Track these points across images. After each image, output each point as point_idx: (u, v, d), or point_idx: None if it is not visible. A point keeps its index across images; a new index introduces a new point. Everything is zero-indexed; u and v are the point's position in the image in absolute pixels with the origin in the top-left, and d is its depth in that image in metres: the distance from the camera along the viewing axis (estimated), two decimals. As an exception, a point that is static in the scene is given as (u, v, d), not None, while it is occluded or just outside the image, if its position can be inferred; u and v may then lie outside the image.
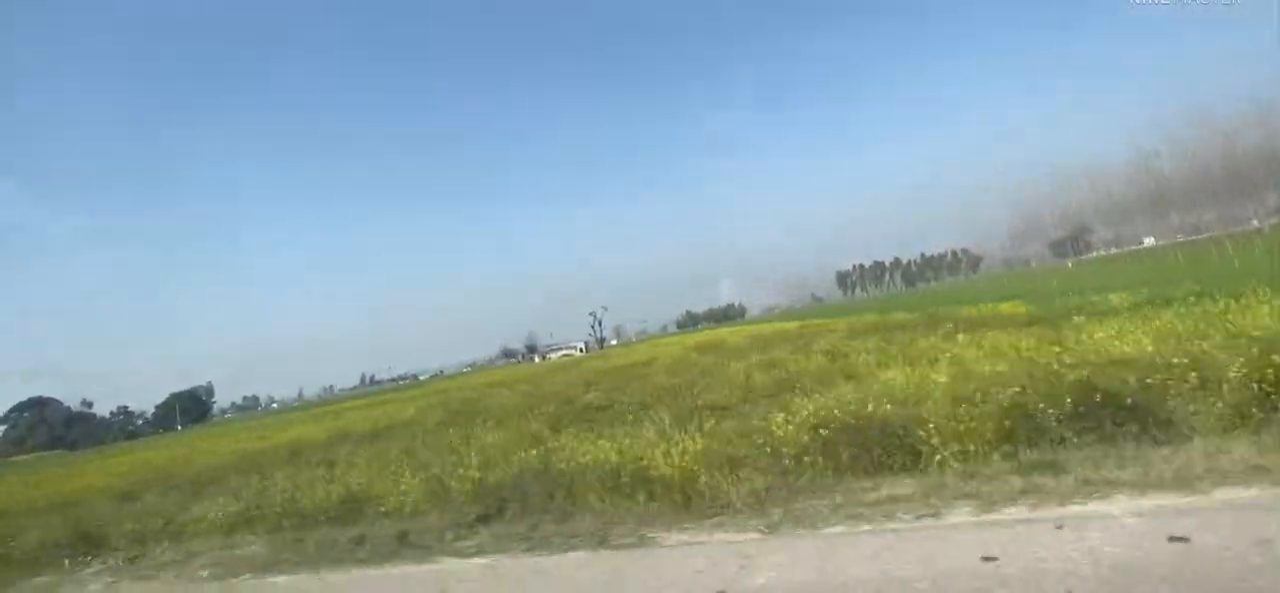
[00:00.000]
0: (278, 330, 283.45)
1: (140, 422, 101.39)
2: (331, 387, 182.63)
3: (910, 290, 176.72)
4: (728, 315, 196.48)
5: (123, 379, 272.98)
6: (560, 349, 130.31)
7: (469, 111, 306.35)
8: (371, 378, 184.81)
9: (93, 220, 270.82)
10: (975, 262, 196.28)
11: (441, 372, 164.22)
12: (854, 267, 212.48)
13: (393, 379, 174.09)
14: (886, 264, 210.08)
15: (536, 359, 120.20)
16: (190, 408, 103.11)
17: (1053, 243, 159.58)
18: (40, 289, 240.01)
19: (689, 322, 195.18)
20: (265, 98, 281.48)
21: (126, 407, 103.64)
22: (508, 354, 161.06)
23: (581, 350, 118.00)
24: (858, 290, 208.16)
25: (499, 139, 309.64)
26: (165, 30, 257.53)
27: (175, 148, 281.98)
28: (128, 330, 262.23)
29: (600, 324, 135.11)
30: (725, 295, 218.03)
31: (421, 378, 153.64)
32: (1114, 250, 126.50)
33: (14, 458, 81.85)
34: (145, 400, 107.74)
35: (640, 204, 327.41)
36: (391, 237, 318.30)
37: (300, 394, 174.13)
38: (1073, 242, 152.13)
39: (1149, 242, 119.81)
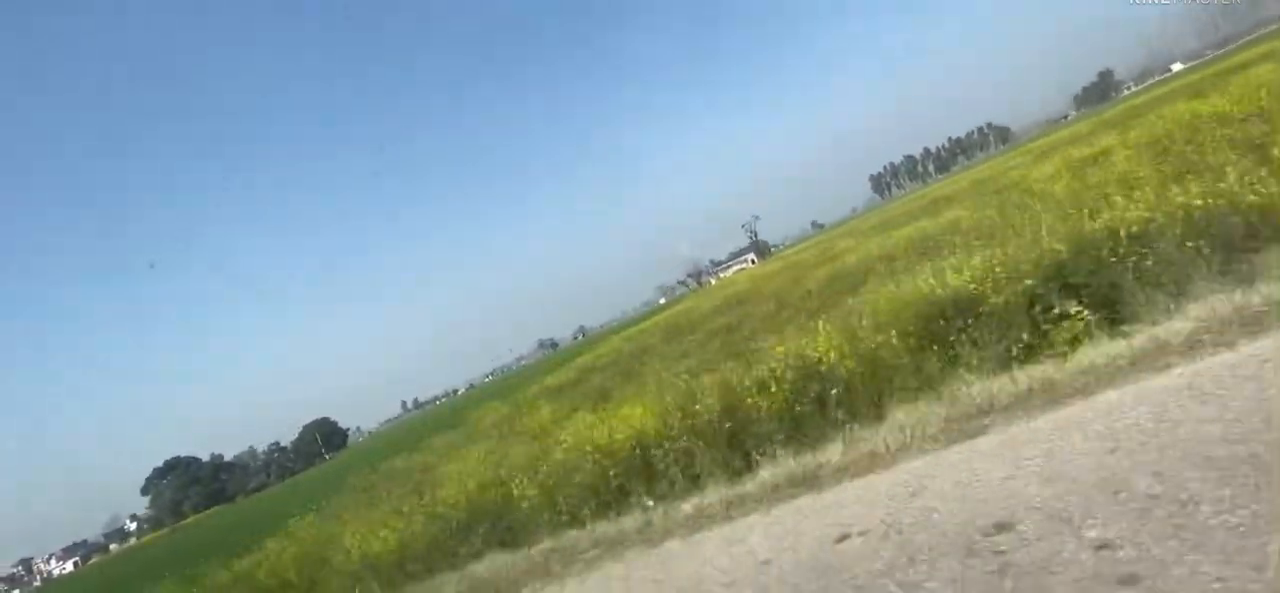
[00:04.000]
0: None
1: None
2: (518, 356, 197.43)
3: (945, 176, 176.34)
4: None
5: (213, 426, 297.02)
6: (730, 266, 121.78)
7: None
8: (551, 341, 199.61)
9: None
10: (1004, 134, 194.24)
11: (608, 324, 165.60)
12: (886, 166, 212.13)
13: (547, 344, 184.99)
14: (917, 156, 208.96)
15: (711, 281, 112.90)
16: (330, 436, 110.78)
17: (1078, 95, 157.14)
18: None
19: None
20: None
21: (278, 443, 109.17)
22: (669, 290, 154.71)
23: (752, 261, 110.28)
24: (893, 189, 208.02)
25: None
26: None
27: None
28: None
29: (755, 234, 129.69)
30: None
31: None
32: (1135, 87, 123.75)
33: (185, 522, 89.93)
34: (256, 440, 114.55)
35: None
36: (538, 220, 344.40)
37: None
38: (1098, 90, 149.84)
39: (1177, 68, 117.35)
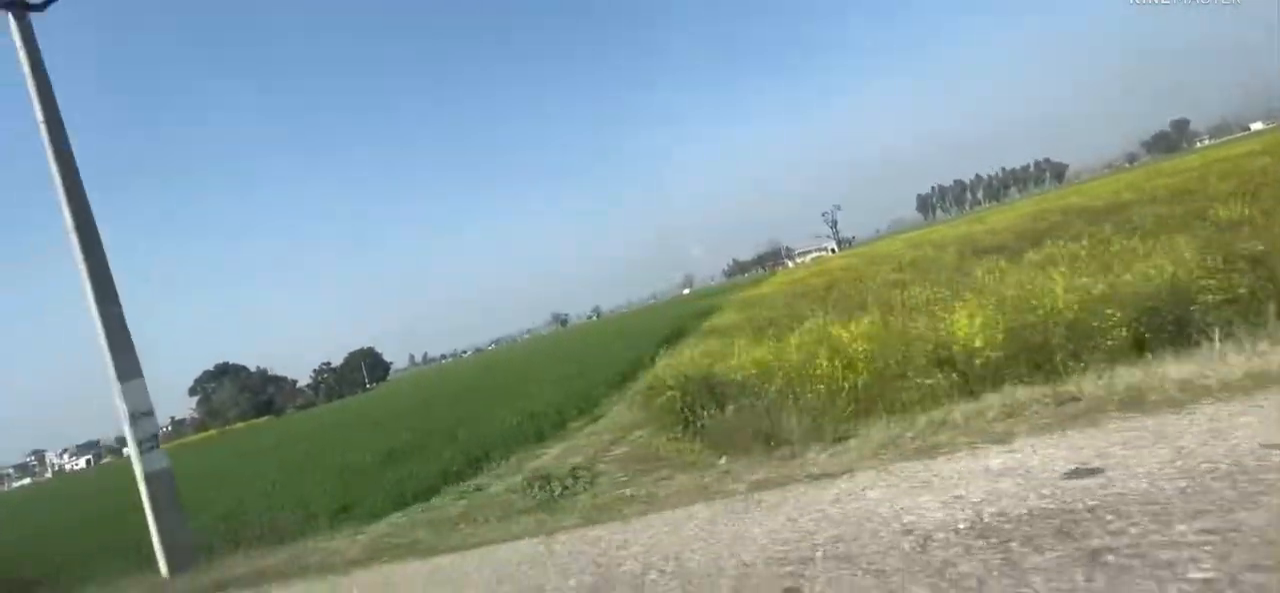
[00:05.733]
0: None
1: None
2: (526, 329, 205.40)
3: (996, 205, 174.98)
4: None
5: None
6: (810, 252, 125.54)
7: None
8: (564, 316, 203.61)
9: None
10: (1059, 171, 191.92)
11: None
12: (934, 188, 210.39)
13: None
14: (967, 183, 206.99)
15: (789, 264, 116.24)
16: (373, 367, 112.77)
17: (1148, 141, 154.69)
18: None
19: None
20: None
21: (329, 363, 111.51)
22: (743, 267, 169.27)
23: (832, 251, 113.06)
24: (939, 212, 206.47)
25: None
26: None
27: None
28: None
29: (836, 224, 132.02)
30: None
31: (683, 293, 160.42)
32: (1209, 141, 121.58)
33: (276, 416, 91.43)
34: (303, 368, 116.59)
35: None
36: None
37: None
38: (1169, 137, 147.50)
39: (1257, 126, 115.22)
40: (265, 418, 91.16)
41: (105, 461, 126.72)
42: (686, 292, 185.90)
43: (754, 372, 8.35)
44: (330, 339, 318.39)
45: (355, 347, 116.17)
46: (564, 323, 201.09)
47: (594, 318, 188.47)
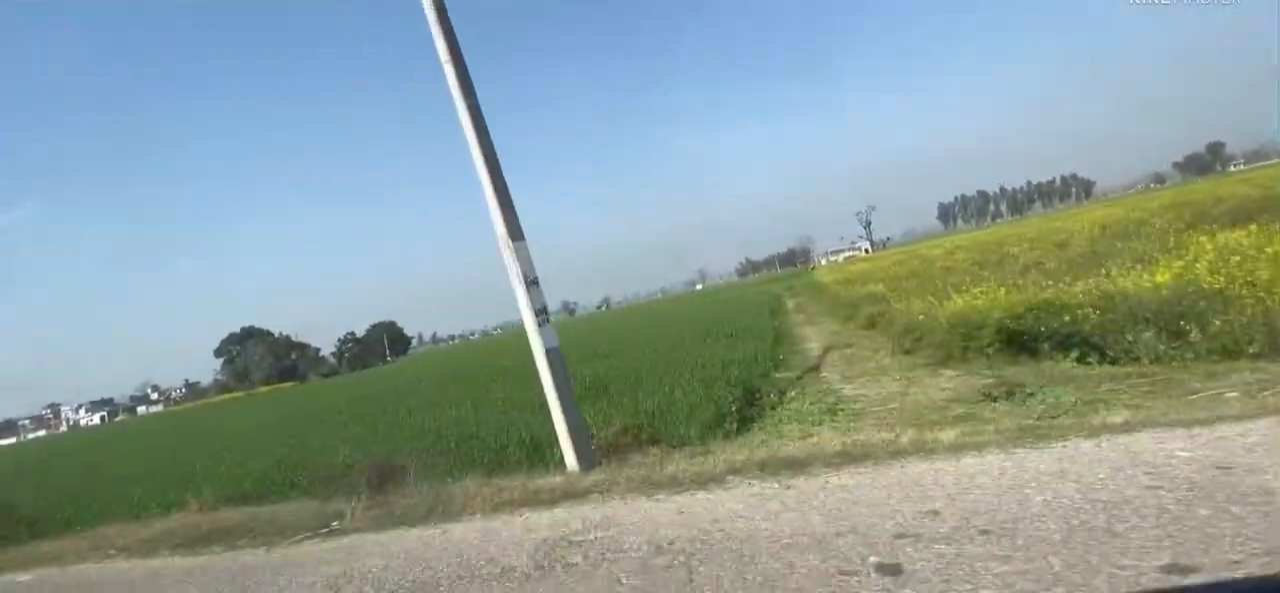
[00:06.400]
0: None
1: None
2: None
3: (1019, 220, 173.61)
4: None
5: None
6: (841, 252, 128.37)
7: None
8: (573, 304, 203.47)
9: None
10: (1087, 187, 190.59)
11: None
12: (956, 197, 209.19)
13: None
14: (991, 194, 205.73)
15: (822, 262, 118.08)
16: (394, 341, 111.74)
17: (1181, 161, 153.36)
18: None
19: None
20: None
21: (353, 333, 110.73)
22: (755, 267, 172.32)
23: (865, 251, 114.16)
24: (960, 222, 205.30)
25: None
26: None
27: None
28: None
29: (870, 224, 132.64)
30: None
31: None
32: (1243, 165, 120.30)
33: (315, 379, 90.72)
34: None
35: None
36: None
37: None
38: (1203, 159, 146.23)
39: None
40: (290, 383, 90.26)
41: (119, 417, 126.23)
42: (699, 287, 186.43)
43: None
44: (337, 313, 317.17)
45: (373, 321, 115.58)
46: (572, 312, 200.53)
47: (603, 308, 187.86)
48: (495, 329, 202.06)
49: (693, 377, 11.08)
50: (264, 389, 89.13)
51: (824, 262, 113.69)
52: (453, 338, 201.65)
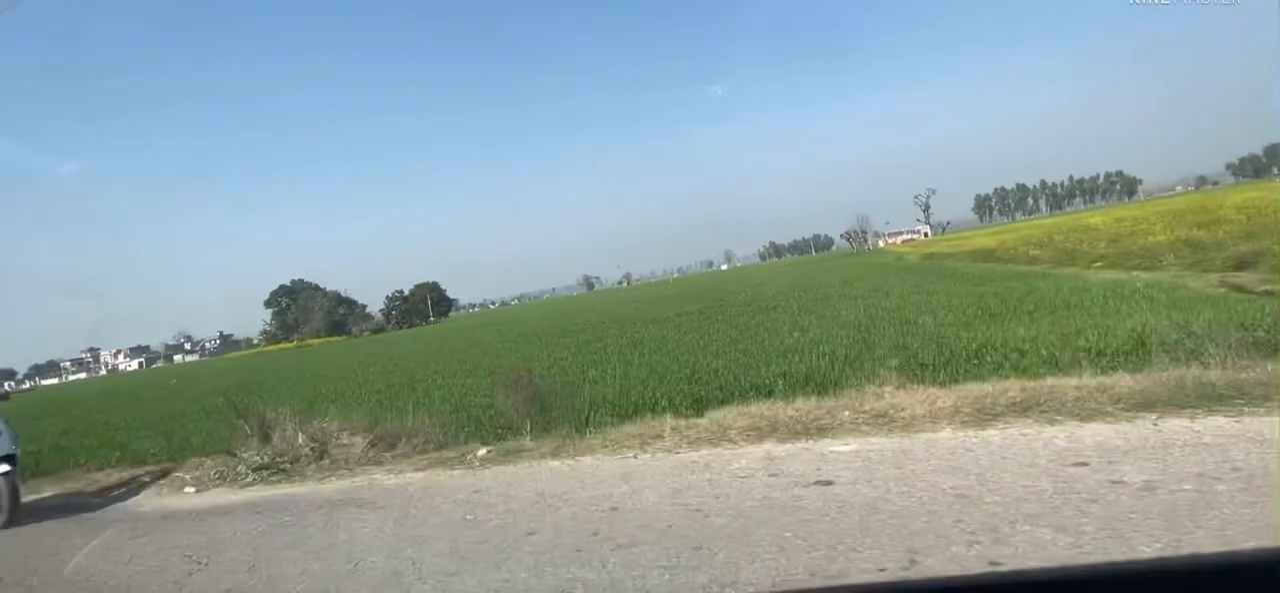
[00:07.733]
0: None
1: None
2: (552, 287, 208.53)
3: (1058, 215, 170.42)
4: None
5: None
6: (901, 234, 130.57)
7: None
8: (595, 278, 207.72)
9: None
10: (1131, 185, 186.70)
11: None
12: (995, 189, 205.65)
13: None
14: (1030, 188, 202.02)
15: (881, 244, 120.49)
16: (438, 302, 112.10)
17: (1235, 164, 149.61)
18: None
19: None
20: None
21: (402, 291, 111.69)
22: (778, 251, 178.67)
23: (925, 235, 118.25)
24: (997, 216, 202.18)
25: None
26: None
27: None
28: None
29: (928, 208, 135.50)
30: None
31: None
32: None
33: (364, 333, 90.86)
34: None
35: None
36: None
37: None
38: (1259, 162, 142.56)
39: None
40: (340, 337, 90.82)
41: (156, 364, 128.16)
42: (725, 268, 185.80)
43: None
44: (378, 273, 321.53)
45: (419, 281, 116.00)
46: (592, 286, 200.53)
47: (624, 284, 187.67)
48: (514, 299, 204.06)
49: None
50: (314, 342, 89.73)
51: (883, 244, 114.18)
52: (472, 306, 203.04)
